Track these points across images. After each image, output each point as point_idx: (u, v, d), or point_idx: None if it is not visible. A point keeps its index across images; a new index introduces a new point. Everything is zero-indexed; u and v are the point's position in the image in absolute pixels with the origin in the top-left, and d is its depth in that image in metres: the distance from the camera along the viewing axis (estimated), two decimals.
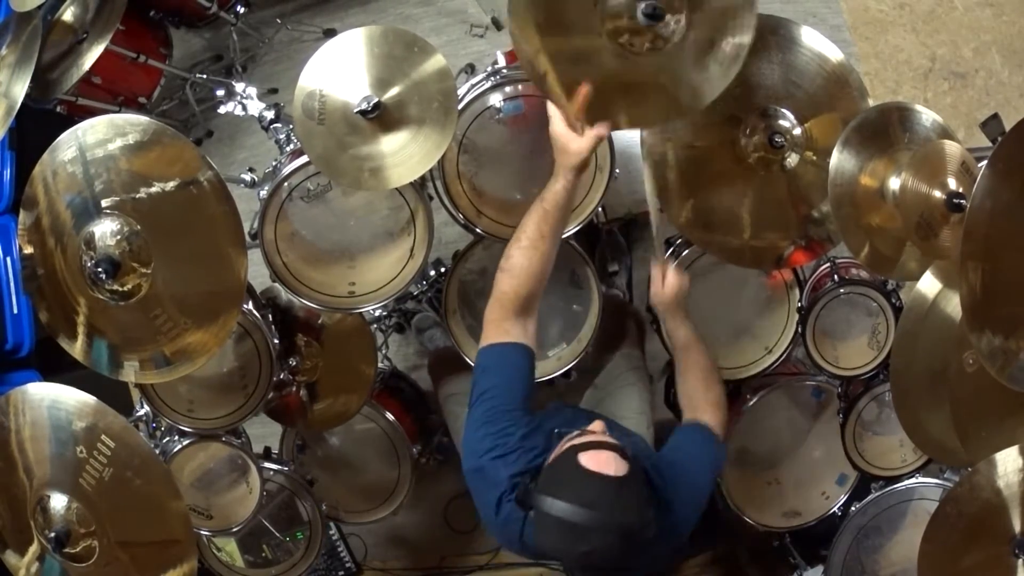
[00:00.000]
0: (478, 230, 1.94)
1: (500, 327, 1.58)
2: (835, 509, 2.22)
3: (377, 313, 2.68)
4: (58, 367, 2.37)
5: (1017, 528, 1.50)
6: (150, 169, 1.60)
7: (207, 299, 1.66)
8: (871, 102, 1.77)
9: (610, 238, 2.72)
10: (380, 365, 2.41)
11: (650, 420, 2.09)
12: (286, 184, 1.85)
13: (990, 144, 1.83)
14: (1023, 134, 1.39)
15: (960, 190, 1.59)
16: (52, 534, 1.64)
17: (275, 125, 2.09)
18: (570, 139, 1.56)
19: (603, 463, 1.34)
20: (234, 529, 2.11)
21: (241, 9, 2.96)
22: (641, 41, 1.54)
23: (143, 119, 1.60)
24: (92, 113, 2.12)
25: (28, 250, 1.68)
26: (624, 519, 1.33)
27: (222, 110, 2.20)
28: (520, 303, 1.58)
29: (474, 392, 1.57)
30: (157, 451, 1.96)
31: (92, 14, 2.49)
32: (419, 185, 1.87)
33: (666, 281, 1.83)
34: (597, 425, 1.47)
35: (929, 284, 1.66)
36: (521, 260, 1.57)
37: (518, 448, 1.50)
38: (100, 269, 1.59)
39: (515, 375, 1.57)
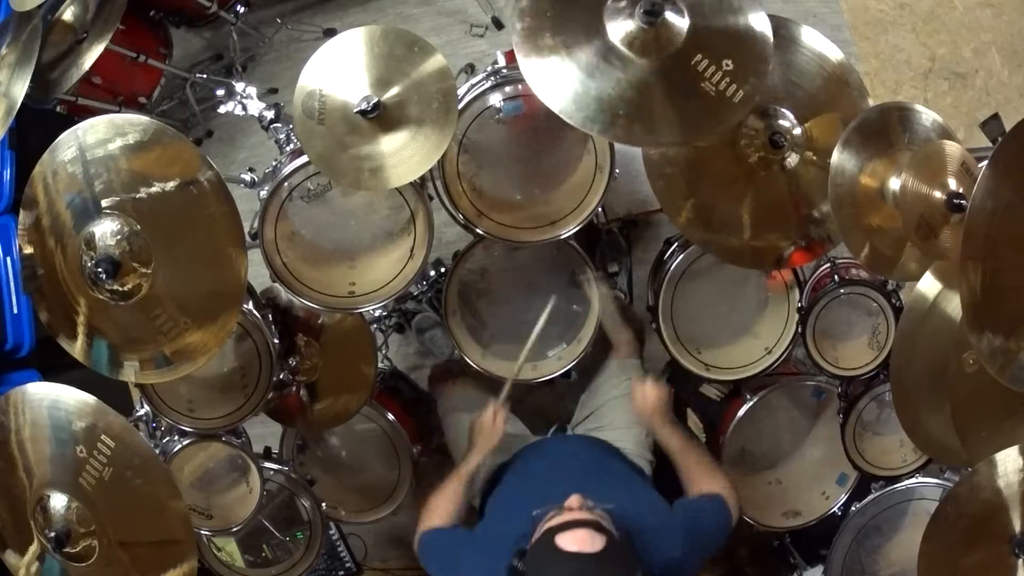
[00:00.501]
0: (478, 230, 1.93)
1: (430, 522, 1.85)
2: (835, 509, 2.21)
3: (377, 313, 2.67)
4: (58, 367, 2.37)
5: (1017, 528, 1.50)
6: (150, 169, 1.59)
7: (207, 299, 1.66)
8: (871, 102, 1.77)
9: (610, 238, 2.72)
10: (380, 365, 2.41)
11: (648, 429, 2.10)
12: (286, 184, 1.85)
13: (990, 144, 1.84)
14: (1023, 134, 1.39)
15: (960, 190, 1.59)
16: (52, 534, 1.63)
17: (275, 125, 2.09)
18: (492, 426, 1.97)
19: (580, 541, 1.39)
20: (234, 529, 2.11)
21: (241, 9, 2.96)
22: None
23: (143, 119, 1.60)
24: (92, 113, 2.12)
25: (28, 250, 1.68)
26: None
27: (222, 110, 2.19)
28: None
29: None
30: (157, 451, 1.96)
31: (92, 14, 2.49)
32: (419, 185, 1.87)
33: (646, 395, 1.94)
34: (573, 501, 1.51)
35: (929, 284, 1.66)
36: (441, 508, 1.87)
37: (476, 556, 1.67)
38: (100, 269, 1.59)
39: (450, 551, 1.77)
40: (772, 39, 1.61)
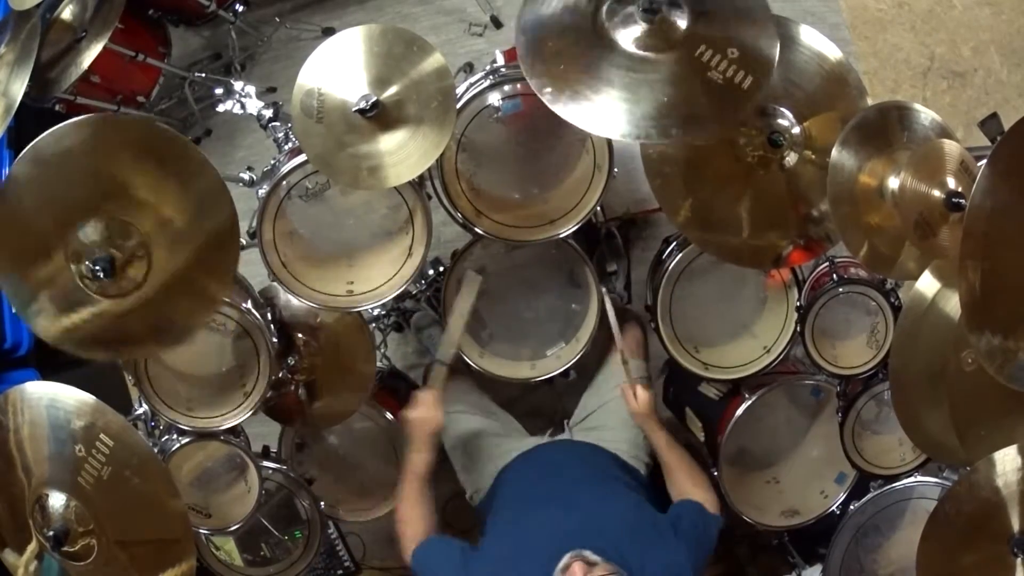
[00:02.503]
0: (477, 229, 1.93)
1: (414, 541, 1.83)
2: (834, 508, 2.21)
3: (376, 312, 2.67)
4: (56, 366, 2.37)
5: (1016, 527, 1.50)
6: None
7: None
8: (870, 101, 1.77)
9: (608, 237, 2.72)
10: (379, 364, 2.41)
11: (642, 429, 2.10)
12: (284, 183, 1.85)
13: (989, 143, 1.83)
14: (1022, 133, 1.39)
15: (959, 189, 1.59)
16: (51, 533, 1.63)
17: (273, 124, 2.09)
18: (422, 415, 1.94)
19: None
20: (233, 528, 2.11)
21: (240, 7, 2.96)
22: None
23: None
24: (91, 112, 2.12)
25: None
26: None
27: (221, 109, 2.19)
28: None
29: None
30: (156, 450, 1.96)
31: (91, 13, 2.48)
32: (417, 184, 1.87)
33: (637, 398, 2.01)
34: (576, 570, 1.54)
35: (928, 283, 1.66)
36: (414, 516, 1.89)
37: None
38: (98, 268, 1.60)
39: (443, 562, 1.77)
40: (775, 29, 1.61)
